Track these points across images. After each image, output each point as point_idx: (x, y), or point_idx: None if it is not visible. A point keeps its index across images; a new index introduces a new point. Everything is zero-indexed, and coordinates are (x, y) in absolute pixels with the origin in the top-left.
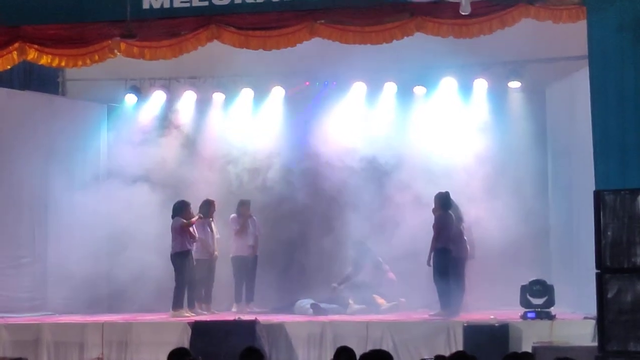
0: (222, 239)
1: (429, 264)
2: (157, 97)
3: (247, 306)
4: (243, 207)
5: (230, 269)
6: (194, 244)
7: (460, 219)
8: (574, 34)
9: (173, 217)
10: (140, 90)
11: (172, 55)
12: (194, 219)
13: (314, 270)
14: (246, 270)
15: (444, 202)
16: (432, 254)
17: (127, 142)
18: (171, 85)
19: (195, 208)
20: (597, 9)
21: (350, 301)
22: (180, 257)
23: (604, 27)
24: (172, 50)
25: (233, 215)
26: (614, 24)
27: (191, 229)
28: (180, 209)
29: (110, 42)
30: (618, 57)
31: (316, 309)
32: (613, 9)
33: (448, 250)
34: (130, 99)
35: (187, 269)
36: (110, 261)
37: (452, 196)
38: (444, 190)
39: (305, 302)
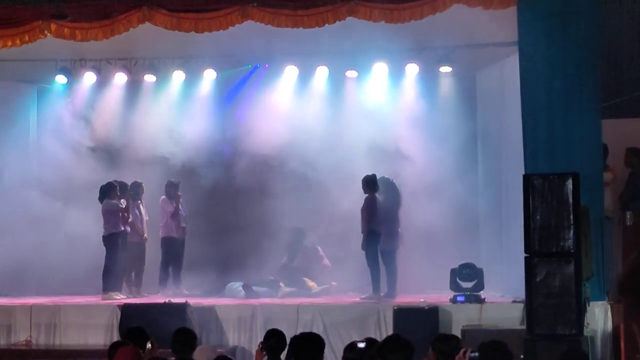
0: (151, 220)
1: (363, 248)
2: (88, 78)
3: (178, 289)
4: (173, 189)
5: (159, 252)
6: (127, 225)
7: (398, 203)
8: (504, 20)
9: (101, 199)
10: (70, 71)
11: (104, 37)
12: (124, 206)
13: (244, 253)
14: (175, 252)
15: (370, 185)
16: (364, 236)
17: (57, 123)
18: (102, 66)
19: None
20: None
21: (281, 284)
22: (112, 239)
23: (534, 14)
24: (103, 31)
25: (163, 197)
26: (543, 10)
27: (124, 209)
28: (107, 191)
29: (40, 22)
30: (547, 44)
31: (248, 290)
32: None
33: (378, 233)
34: (60, 79)
35: (118, 251)
36: (40, 243)
37: (394, 181)
38: (370, 173)
39: (237, 285)
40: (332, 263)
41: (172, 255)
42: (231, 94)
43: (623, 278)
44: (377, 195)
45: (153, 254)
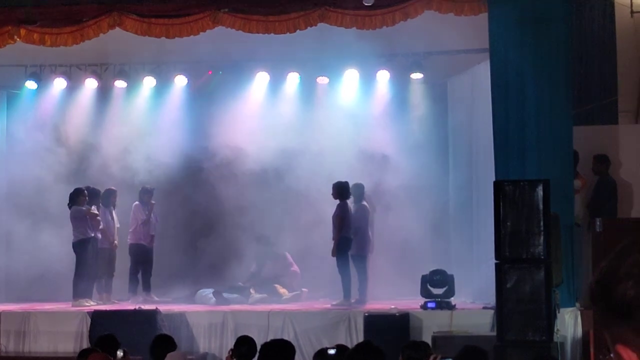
0: (122, 227)
1: (333, 255)
2: (58, 84)
3: (148, 295)
4: (147, 195)
5: (129, 259)
6: (98, 231)
7: (369, 209)
8: (475, 27)
9: (70, 205)
10: (40, 77)
11: (74, 42)
12: (93, 211)
13: (215, 260)
14: (144, 259)
15: (341, 191)
16: (335, 243)
17: (27, 128)
18: (72, 72)
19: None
20: (498, 2)
21: (252, 291)
22: (81, 246)
23: (505, 21)
24: (73, 36)
25: (136, 203)
26: (515, 17)
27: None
28: (75, 197)
29: (10, 27)
30: (518, 51)
31: (218, 297)
32: (513, 3)
33: (349, 239)
34: (30, 85)
35: (88, 257)
36: (8, 250)
37: (365, 187)
38: (343, 180)
39: (207, 292)
40: (304, 269)
41: (141, 262)
42: (202, 99)
43: (593, 287)
44: (348, 202)
45: (123, 260)
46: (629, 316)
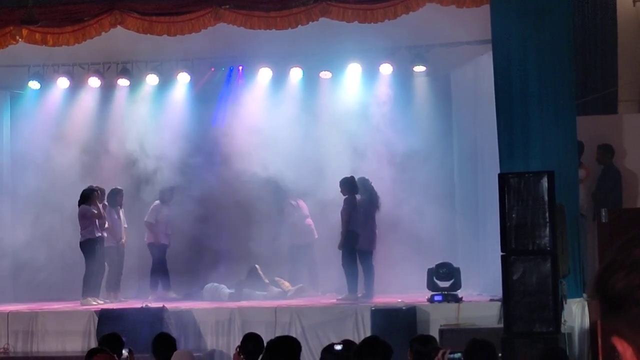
0: (137, 226)
1: (339, 248)
2: (61, 83)
3: (167, 293)
4: (168, 194)
5: (138, 258)
6: (105, 230)
7: (375, 204)
8: (477, 19)
9: (79, 204)
10: (43, 77)
11: (75, 41)
12: (96, 211)
13: (226, 255)
14: (163, 257)
15: (349, 186)
16: (343, 237)
17: (31, 128)
18: (75, 71)
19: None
20: None
21: (286, 283)
22: (89, 245)
23: (507, 12)
24: (75, 36)
25: (157, 202)
26: (517, 9)
27: (99, 215)
28: (87, 196)
29: (12, 28)
30: (521, 42)
31: (236, 293)
32: None
33: (357, 234)
34: (33, 85)
35: (96, 257)
36: (14, 250)
37: (371, 183)
38: (348, 175)
39: (213, 285)
40: (310, 265)
41: (160, 261)
42: (206, 96)
43: (594, 282)
44: (356, 196)
45: (134, 259)
46: (620, 308)
